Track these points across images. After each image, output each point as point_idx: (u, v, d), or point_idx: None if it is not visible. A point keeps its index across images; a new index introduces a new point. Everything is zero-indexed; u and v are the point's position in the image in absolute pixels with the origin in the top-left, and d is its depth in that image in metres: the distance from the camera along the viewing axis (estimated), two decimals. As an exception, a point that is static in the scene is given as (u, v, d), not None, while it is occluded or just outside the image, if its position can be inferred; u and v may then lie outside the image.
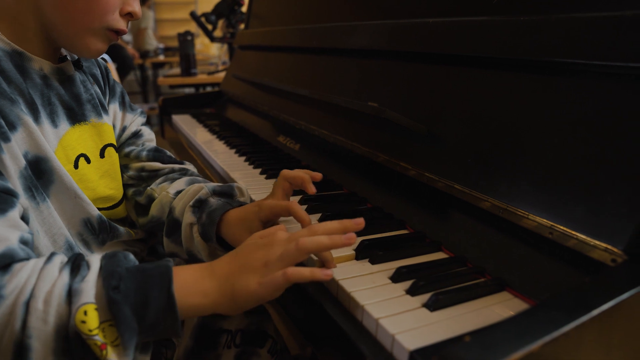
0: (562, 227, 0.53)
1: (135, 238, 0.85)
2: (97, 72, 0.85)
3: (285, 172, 0.73)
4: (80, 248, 0.73)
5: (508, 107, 0.66)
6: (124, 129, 0.89)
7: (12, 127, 0.62)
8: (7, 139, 0.60)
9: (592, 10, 0.60)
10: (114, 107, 0.87)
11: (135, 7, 0.71)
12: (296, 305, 0.61)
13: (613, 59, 0.54)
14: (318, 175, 0.72)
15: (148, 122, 0.95)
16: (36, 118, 0.67)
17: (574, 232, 0.51)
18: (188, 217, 0.76)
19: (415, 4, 0.92)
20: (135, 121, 0.91)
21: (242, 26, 2.56)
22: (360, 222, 0.56)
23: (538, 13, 0.67)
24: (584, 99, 0.57)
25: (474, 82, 0.72)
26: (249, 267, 0.55)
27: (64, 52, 0.78)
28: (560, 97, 0.60)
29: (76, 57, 0.80)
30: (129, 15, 0.71)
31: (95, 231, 0.75)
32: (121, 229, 0.79)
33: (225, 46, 3.05)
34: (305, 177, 0.71)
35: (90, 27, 0.68)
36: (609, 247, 0.48)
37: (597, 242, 0.49)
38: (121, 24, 0.70)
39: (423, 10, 0.89)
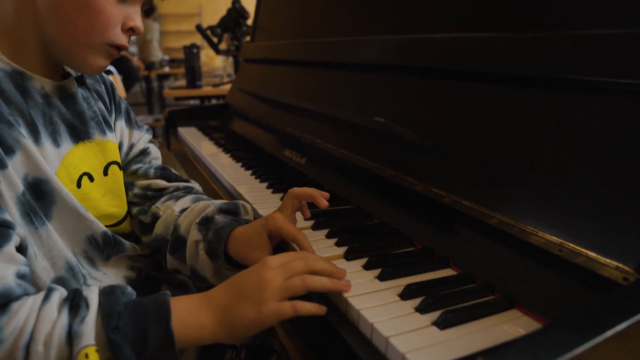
0: (571, 245, 0.52)
1: (141, 253, 0.84)
2: (102, 89, 0.84)
3: (295, 190, 0.73)
4: (84, 266, 0.73)
5: (516, 123, 0.66)
6: (131, 147, 0.88)
7: (10, 151, 0.61)
8: (3, 166, 0.59)
9: (599, 27, 0.60)
10: (121, 125, 0.86)
11: (137, 22, 0.70)
12: (303, 321, 0.61)
13: (622, 76, 0.54)
14: (326, 195, 0.72)
15: (153, 135, 0.95)
16: (36, 139, 0.66)
17: (583, 250, 0.51)
18: (194, 235, 0.76)
19: (420, 19, 0.92)
20: (142, 138, 0.91)
21: (247, 38, 2.58)
22: (343, 273, 0.61)
23: (545, 29, 0.67)
24: (593, 115, 0.57)
25: (482, 98, 0.72)
26: (244, 295, 0.57)
27: (66, 68, 0.77)
28: (568, 113, 0.60)
29: (80, 72, 0.80)
30: (130, 31, 0.70)
31: (100, 247, 0.74)
32: (126, 243, 0.79)
33: (230, 58, 3.07)
34: (315, 193, 0.72)
35: (91, 43, 0.67)
36: (620, 265, 0.48)
37: (608, 260, 0.49)
38: (122, 39, 0.69)
39: (429, 26, 0.90)
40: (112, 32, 0.67)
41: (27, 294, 0.54)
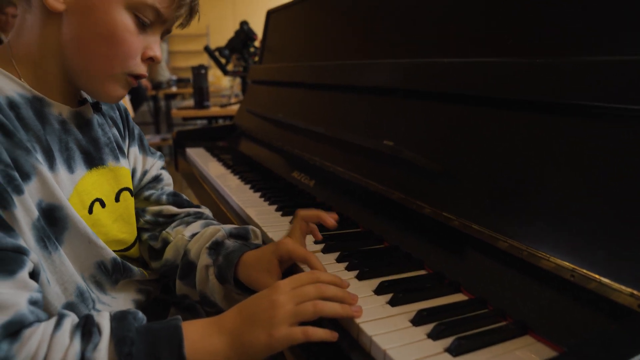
0: (583, 270, 0.52)
1: (149, 278, 0.85)
2: (116, 115, 0.86)
3: (302, 212, 0.74)
4: (93, 290, 0.73)
5: (526, 147, 0.66)
6: (144, 173, 0.89)
7: (27, 177, 0.62)
8: (20, 192, 0.60)
9: (608, 53, 0.60)
10: (134, 151, 0.88)
11: (157, 51, 0.72)
12: (314, 346, 0.60)
13: (633, 102, 0.55)
14: (334, 215, 0.73)
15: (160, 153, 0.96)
16: (51, 165, 0.67)
17: (596, 276, 0.51)
18: (204, 259, 0.77)
19: (428, 43, 0.93)
20: (155, 165, 0.92)
21: (256, 58, 2.61)
22: (354, 299, 0.61)
23: (553, 55, 0.68)
24: (606, 140, 0.57)
25: (491, 122, 0.73)
26: (256, 319, 0.57)
27: (83, 94, 0.78)
28: (580, 138, 0.60)
29: (98, 100, 0.81)
30: (149, 60, 0.72)
31: (109, 272, 0.75)
32: (135, 269, 0.80)
33: (238, 79, 3.11)
34: (322, 214, 0.73)
35: (111, 72, 0.69)
36: (635, 292, 0.47)
37: (621, 287, 0.49)
38: (142, 68, 0.71)
39: (437, 50, 0.91)
40: (132, 61, 0.69)
41: (39, 320, 0.54)
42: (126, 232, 0.81)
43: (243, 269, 0.73)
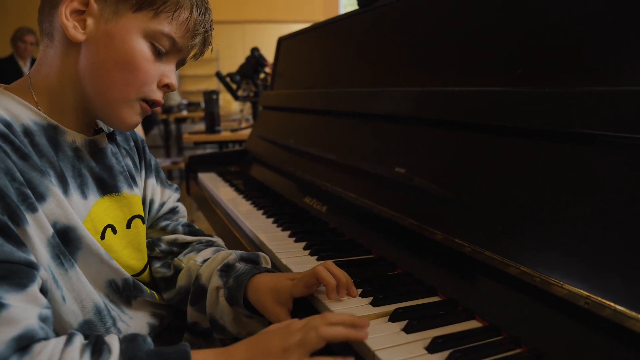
0: (597, 298, 0.52)
1: (160, 302, 0.86)
2: (131, 146, 0.87)
3: (328, 265, 0.73)
4: (113, 309, 0.74)
5: (538, 174, 0.67)
6: (162, 205, 0.92)
7: (42, 198, 0.64)
8: (34, 209, 0.61)
9: (614, 84, 0.62)
10: (152, 182, 0.90)
11: (172, 79, 0.74)
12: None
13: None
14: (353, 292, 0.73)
15: (170, 177, 0.99)
16: (65, 190, 0.69)
17: (610, 303, 0.51)
18: (215, 281, 0.78)
19: (439, 72, 0.95)
20: (171, 197, 0.94)
21: (269, 79, 2.65)
22: (366, 324, 0.60)
23: (560, 85, 0.69)
24: (616, 168, 0.58)
25: (503, 149, 0.74)
26: (267, 353, 0.58)
27: (99, 124, 0.81)
28: (592, 166, 0.61)
29: (112, 129, 0.83)
30: (165, 87, 0.74)
31: (119, 290, 0.76)
32: (145, 287, 0.81)
33: (248, 103, 3.15)
34: (342, 281, 0.72)
35: (127, 98, 0.70)
36: (650, 320, 0.48)
37: (637, 315, 0.49)
38: (157, 94, 0.73)
39: (448, 79, 0.92)
40: (148, 87, 0.71)
41: (47, 337, 0.55)
42: (135, 258, 0.82)
43: (253, 292, 0.74)
